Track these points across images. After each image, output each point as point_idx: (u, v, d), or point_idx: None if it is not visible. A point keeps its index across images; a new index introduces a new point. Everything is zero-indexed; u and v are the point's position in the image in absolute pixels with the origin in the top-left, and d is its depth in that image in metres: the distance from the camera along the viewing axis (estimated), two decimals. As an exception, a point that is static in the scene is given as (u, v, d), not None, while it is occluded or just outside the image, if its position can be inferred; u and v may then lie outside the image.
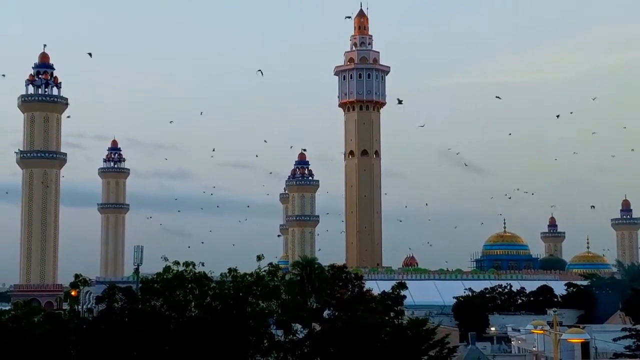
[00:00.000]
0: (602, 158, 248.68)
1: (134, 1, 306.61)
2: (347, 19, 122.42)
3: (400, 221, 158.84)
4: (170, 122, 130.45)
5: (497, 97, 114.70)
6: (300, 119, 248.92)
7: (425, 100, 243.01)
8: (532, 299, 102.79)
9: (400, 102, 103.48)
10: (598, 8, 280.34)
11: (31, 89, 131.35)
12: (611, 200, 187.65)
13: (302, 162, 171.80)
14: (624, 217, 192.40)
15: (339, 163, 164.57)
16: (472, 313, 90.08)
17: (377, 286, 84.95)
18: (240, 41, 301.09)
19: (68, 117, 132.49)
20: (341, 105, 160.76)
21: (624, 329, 57.16)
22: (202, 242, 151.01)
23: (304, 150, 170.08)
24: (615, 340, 55.96)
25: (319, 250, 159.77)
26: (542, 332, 40.56)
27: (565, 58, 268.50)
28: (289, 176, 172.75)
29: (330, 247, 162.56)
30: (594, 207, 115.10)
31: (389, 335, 42.85)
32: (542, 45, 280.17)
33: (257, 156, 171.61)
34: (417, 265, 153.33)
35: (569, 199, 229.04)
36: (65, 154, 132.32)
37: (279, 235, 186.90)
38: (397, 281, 75.57)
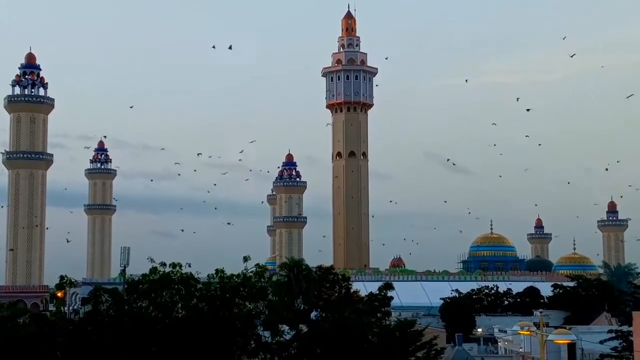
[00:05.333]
0: (588, 159, 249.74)
1: (119, 3, 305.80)
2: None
3: (373, 216, 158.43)
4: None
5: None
6: (288, 120, 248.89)
7: (413, 102, 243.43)
8: (518, 300, 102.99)
9: None
10: (586, 10, 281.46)
11: (17, 90, 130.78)
12: (597, 202, 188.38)
13: (289, 163, 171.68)
14: (610, 218, 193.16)
15: (326, 164, 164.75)
16: (459, 314, 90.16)
17: (364, 287, 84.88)
18: (227, 42, 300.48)
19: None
20: (329, 106, 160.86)
21: (610, 331, 57.26)
22: (194, 232, 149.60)
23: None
24: (601, 341, 56.12)
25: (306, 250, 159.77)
26: (528, 333, 40.57)
27: (553, 60, 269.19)
28: (276, 177, 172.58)
29: (318, 248, 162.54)
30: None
31: (377, 337, 42.91)
32: (529, 47, 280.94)
33: (241, 153, 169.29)
34: (404, 266, 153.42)
35: (556, 201, 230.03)
36: (51, 155, 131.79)
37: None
38: (385, 282, 75.56)
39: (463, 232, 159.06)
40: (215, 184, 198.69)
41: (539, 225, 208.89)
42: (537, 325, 38.00)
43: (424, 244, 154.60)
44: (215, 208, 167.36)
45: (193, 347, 36.82)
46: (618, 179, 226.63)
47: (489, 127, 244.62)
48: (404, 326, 45.37)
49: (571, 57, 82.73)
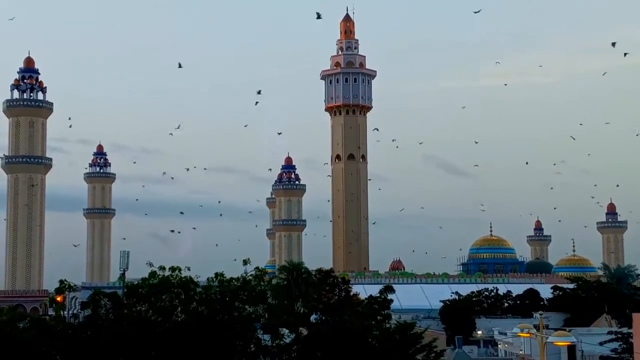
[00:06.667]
0: (587, 161, 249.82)
1: (117, 6, 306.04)
2: None
3: (374, 223, 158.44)
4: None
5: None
6: (287, 123, 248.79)
7: (411, 104, 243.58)
8: (518, 302, 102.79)
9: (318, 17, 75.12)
10: (581, 12, 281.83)
11: (16, 94, 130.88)
12: (597, 204, 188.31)
13: (288, 166, 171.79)
14: (610, 220, 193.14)
15: (325, 167, 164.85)
16: (458, 317, 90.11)
17: (364, 290, 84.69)
18: (225, 45, 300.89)
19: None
20: (327, 109, 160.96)
21: (610, 332, 57.32)
22: (193, 229, 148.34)
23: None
24: (601, 343, 56.12)
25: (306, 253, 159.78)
26: (528, 335, 40.62)
27: (550, 62, 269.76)
28: (275, 180, 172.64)
29: (317, 251, 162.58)
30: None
31: (376, 340, 42.88)
32: (527, 49, 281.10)
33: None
34: (404, 269, 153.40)
35: (555, 202, 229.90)
36: (50, 159, 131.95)
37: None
38: (384, 285, 75.48)
39: (462, 234, 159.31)
40: (164, 173, 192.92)
41: (538, 227, 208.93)
42: (537, 327, 38.02)
43: (424, 247, 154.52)
44: (146, 214, 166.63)
45: (193, 351, 36.79)
46: (617, 181, 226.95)
47: (488, 129, 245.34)
48: (404, 329, 45.34)
49: (625, 55, 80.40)
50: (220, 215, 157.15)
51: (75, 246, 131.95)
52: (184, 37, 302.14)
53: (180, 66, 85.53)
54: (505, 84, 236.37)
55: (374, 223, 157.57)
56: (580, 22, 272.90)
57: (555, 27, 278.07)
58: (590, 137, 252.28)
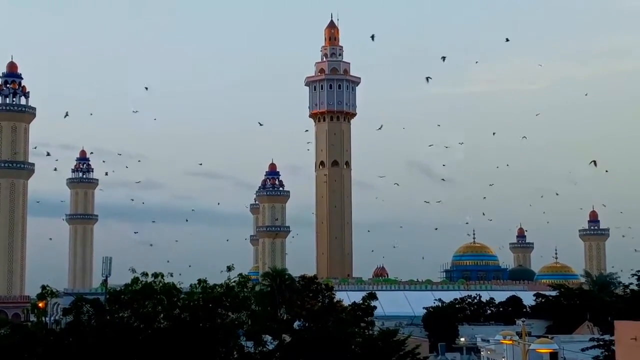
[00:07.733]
0: (570, 169, 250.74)
1: (99, 11, 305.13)
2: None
3: (369, 231, 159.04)
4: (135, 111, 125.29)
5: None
6: (271, 130, 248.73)
7: (395, 111, 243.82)
8: (501, 309, 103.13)
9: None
10: (568, 20, 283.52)
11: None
12: (579, 211, 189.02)
13: (272, 172, 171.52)
14: (592, 227, 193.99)
15: (309, 174, 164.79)
16: (441, 324, 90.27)
17: (347, 297, 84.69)
18: (208, 50, 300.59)
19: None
20: (312, 115, 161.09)
21: (592, 339, 57.59)
22: (176, 240, 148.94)
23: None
24: (583, 350, 56.39)
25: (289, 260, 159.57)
26: (511, 342, 40.73)
27: (536, 69, 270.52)
28: (259, 187, 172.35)
29: (301, 257, 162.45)
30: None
31: (360, 346, 42.92)
32: (513, 56, 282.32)
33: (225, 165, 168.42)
34: (387, 275, 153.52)
35: (538, 210, 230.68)
36: (33, 164, 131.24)
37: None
38: (368, 292, 75.52)
39: (446, 241, 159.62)
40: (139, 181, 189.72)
41: (521, 235, 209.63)
42: (519, 334, 38.16)
43: (407, 254, 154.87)
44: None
45: (175, 358, 36.65)
46: (600, 188, 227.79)
47: (472, 136, 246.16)
48: (387, 336, 45.44)
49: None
50: (196, 209, 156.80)
51: (135, 233, 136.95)
52: (168, 42, 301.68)
53: (146, 89, 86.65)
54: (491, 90, 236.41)
55: (368, 231, 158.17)
56: (565, 31, 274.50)
57: (541, 35, 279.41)
58: (577, 144, 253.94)
